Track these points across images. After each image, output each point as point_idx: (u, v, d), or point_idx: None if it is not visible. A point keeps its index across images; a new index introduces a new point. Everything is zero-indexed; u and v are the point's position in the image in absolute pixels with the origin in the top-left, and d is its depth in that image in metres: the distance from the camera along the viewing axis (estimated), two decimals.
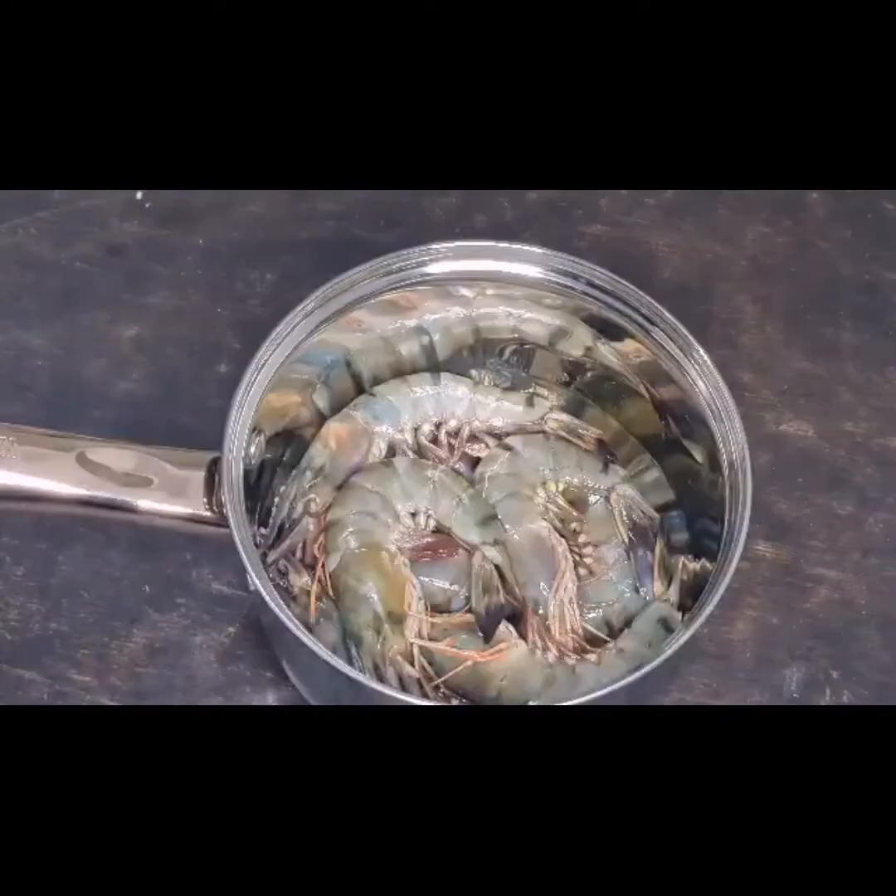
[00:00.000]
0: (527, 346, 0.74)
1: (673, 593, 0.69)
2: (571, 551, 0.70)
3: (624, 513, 0.72)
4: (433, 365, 0.75)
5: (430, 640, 0.67)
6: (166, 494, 0.66)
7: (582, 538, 0.71)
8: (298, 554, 0.70)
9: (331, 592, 0.68)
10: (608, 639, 0.68)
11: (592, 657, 0.67)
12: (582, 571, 0.70)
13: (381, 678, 0.65)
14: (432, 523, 0.71)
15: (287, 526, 0.70)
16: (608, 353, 0.72)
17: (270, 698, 0.70)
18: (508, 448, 0.73)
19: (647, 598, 0.70)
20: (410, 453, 0.73)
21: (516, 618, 0.68)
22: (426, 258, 0.70)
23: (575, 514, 0.72)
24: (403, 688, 0.65)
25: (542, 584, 0.69)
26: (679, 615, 0.68)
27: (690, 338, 0.69)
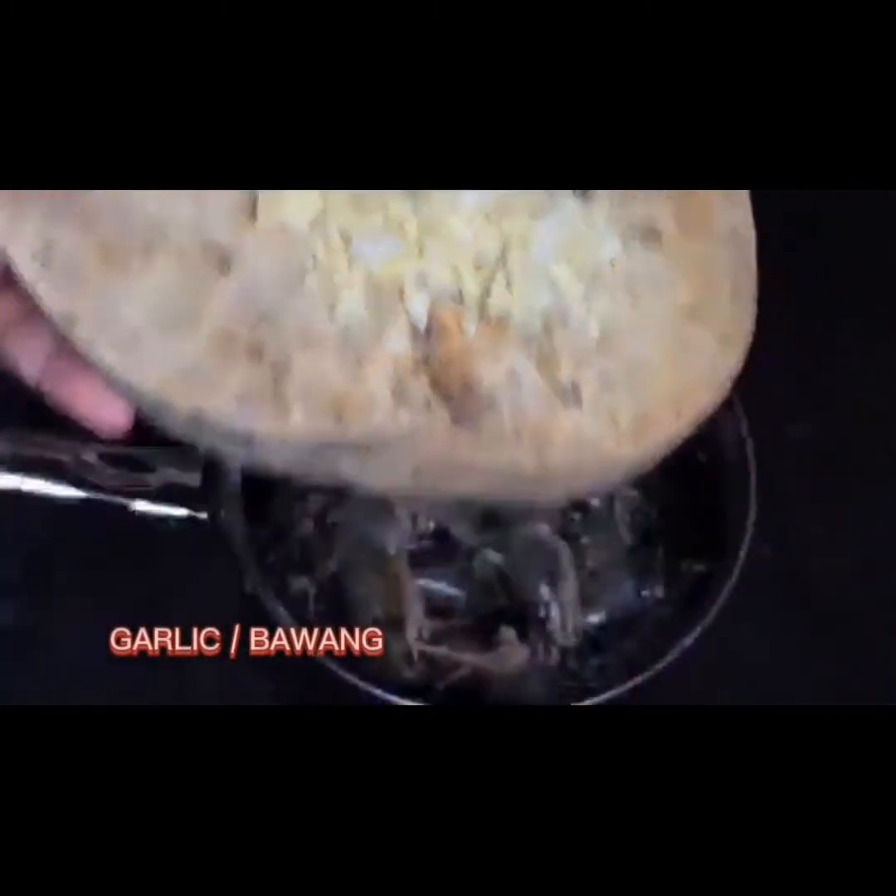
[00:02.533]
0: None
1: (675, 595, 0.69)
2: (573, 553, 0.70)
3: (626, 514, 0.72)
4: None
5: (430, 643, 0.67)
6: (165, 496, 0.66)
7: (583, 540, 0.71)
8: (297, 556, 0.70)
9: (330, 595, 0.68)
10: (610, 641, 0.68)
11: (594, 660, 0.67)
12: (583, 573, 0.70)
13: (381, 682, 0.65)
14: (432, 525, 0.71)
15: (285, 527, 0.70)
16: None
17: (270, 698, 0.69)
18: None
19: (649, 600, 0.70)
20: None
21: (517, 620, 0.68)
22: None
23: (576, 515, 0.72)
24: (403, 691, 0.65)
25: (543, 586, 0.68)
26: (681, 617, 0.68)
27: None
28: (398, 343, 0.49)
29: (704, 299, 0.53)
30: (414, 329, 0.50)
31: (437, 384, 0.49)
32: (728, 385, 0.55)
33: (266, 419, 0.48)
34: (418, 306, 0.50)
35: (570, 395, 0.50)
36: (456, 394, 0.49)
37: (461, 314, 0.50)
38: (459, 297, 0.51)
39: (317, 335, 0.49)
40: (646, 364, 0.51)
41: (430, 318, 0.50)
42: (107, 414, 0.51)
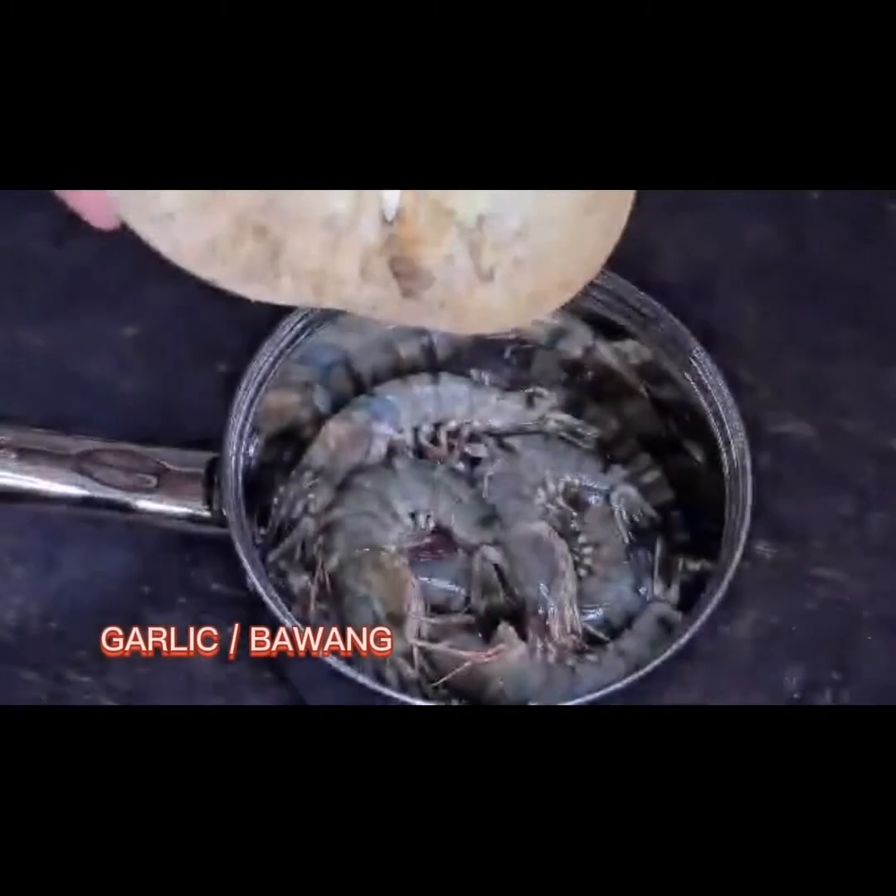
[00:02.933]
0: (526, 346, 0.74)
1: (673, 593, 0.69)
2: (571, 551, 0.70)
3: (624, 513, 0.72)
4: (433, 365, 0.74)
5: (430, 640, 0.67)
6: (166, 494, 0.66)
7: (582, 538, 0.71)
8: (297, 554, 0.70)
9: (330, 593, 0.68)
10: (608, 639, 0.68)
11: (592, 657, 0.67)
12: (582, 572, 0.70)
13: (380, 679, 0.65)
14: (432, 523, 0.71)
15: (286, 526, 0.70)
16: (608, 353, 0.72)
17: (270, 698, 0.69)
18: (508, 448, 0.73)
19: (647, 598, 0.70)
20: (410, 453, 0.73)
21: (516, 618, 0.68)
22: None
23: (575, 514, 0.72)
24: (403, 689, 0.65)
25: (541, 584, 0.69)
26: (679, 615, 0.68)
27: (690, 338, 0.69)
28: (369, 229, 0.58)
29: (600, 194, 0.60)
30: (383, 217, 0.58)
31: (393, 264, 0.58)
32: (604, 262, 0.62)
33: (262, 286, 0.58)
34: (392, 199, 0.58)
35: (487, 275, 0.59)
36: (405, 272, 0.59)
37: (419, 206, 0.58)
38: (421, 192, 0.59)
39: (308, 220, 0.57)
40: (548, 252, 0.60)
41: (397, 209, 0.58)
42: (99, 213, 0.57)
